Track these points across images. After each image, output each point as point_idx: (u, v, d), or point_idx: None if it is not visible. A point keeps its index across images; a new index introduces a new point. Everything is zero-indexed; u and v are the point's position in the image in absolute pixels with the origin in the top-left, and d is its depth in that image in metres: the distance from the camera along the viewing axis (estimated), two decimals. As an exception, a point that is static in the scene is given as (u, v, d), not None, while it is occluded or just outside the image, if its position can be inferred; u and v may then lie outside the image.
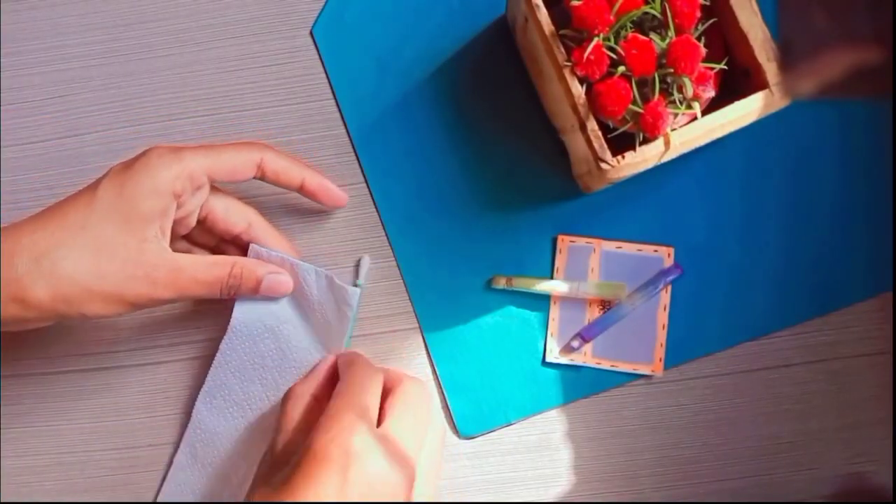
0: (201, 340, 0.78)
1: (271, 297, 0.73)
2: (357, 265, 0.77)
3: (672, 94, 0.66)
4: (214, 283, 0.68)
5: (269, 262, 0.72)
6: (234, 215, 0.72)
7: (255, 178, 0.71)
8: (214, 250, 0.75)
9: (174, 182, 0.65)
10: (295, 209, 0.78)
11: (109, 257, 0.64)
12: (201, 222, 0.72)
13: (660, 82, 0.65)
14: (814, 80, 0.41)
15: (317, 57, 0.79)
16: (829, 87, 0.40)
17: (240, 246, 0.74)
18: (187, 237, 0.74)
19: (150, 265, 0.65)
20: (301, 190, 0.73)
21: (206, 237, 0.75)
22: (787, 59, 0.44)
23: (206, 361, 0.78)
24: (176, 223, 0.69)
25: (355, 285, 0.76)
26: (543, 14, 0.67)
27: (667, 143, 0.66)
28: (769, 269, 0.78)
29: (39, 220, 0.65)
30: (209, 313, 0.78)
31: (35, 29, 0.79)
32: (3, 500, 0.77)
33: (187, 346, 0.78)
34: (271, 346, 0.74)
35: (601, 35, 0.65)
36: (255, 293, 0.71)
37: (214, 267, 0.68)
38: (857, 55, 0.37)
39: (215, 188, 0.71)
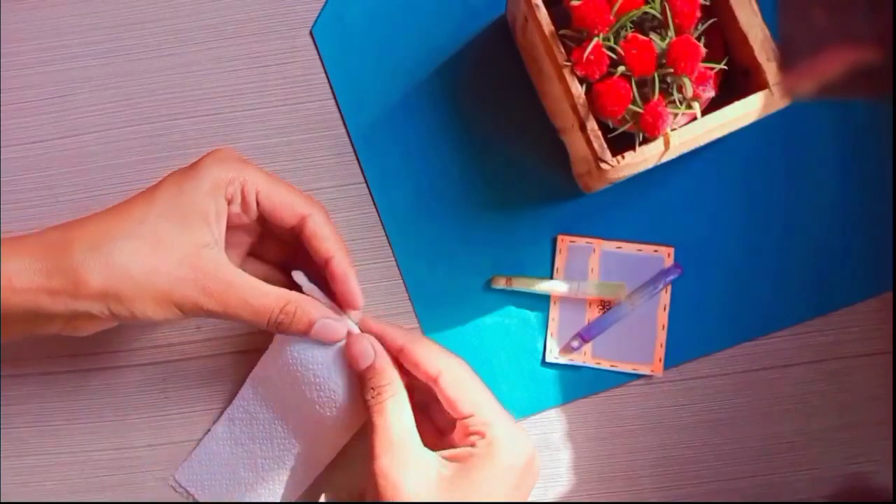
0: (201, 340, 0.78)
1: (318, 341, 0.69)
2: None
3: (672, 94, 0.66)
4: (262, 312, 0.65)
5: (324, 305, 0.68)
6: (286, 209, 0.68)
7: (293, 228, 0.68)
8: (285, 266, 0.73)
9: (227, 186, 0.65)
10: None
11: (165, 254, 0.63)
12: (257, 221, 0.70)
13: (660, 82, 0.65)
14: (814, 80, 0.41)
15: (317, 57, 0.79)
16: (829, 87, 0.40)
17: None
18: (253, 253, 0.73)
19: (203, 272, 0.63)
20: (325, 266, 0.68)
21: (273, 251, 0.73)
22: (787, 59, 0.44)
23: (205, 362, 0.78)
24: (230, 232, 0.67)
25: None
26: (543, 14, 0.67)
27: (666, 143, 0.66)
28: (769, 269, 0.78)
29: (100, 215, 0.65)
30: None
31: (35, 29, 0.79)
32: (3, 501, 0.77)
33: (187, 347, 0.78)
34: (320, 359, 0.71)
35: (601, 35, 0.65)
36: (304, 334, 0.67)
37: (267, 297, 0.65)
38: (857, 55, 0.37)
39: (271, 176, 0.68)
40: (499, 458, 0.65)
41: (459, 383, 0.68)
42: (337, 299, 0.69)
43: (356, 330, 0.69)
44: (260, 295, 0.65)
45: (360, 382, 0.68)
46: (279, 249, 0.73)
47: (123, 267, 0.62)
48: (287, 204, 0.67)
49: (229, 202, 0.66)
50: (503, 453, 0.65)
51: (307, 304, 0.67)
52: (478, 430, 0.66)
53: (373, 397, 0.66)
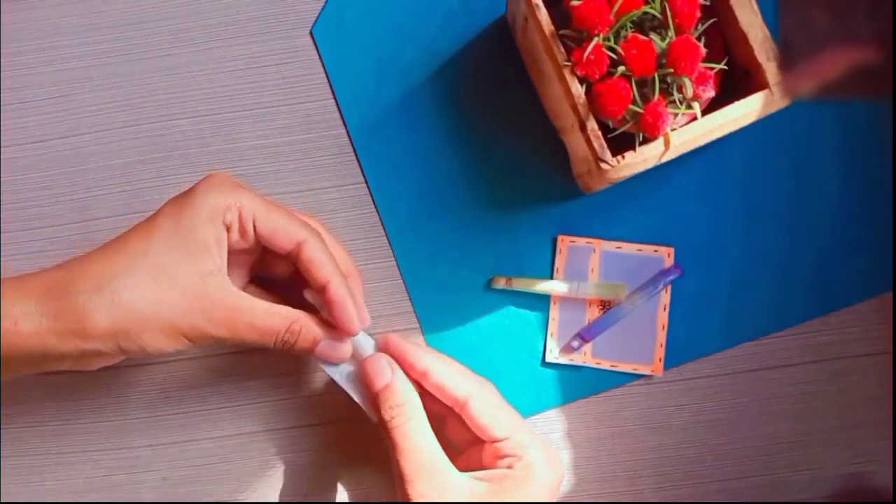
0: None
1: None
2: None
3: (672, 94, 0.66)
4: (269, 333, 0.65)
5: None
6: (281, 235, 0.67)
7: (289, 253, 0.67)
8: (288, 283, 0.72)
9: (225, 212, 0.65)
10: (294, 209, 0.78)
11: (169, 285, 0.63)
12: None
13: (660, 82, 0.65)
14: (814, 80, 0.41)
15: (317, 57, 0.79)
16: (829, 87, 0.40)
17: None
18: (257, 270, 0.72)
19: (209, 300, 0.64)
20: (321, 292, 0.68)
21: (278, 268, 0.72)
22: (787, 58, 0.44)
23: (205, 362, 0.78)
24: (232, 255, 0.67)
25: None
26: (543, 14, 0.67)
27: (667, 143, 0.66)
28: (769, 269, 0.78)
29: (100, 251, 0.65)
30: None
31: (35, 29, 0.79)
32: (3, 501, 0.77)
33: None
34: None
35: (601, 35, 0.65)
36: (309, 353, 0.68)
37: (273, 317, 0.66)
38: (857, 55, 0.37)
39: (266, 201, 0.67)
40: (538, 479, 0.66)
41: (491, 407, 0.68)
42: (336, 324, 0.68)
43: (370, 346, 0.70)
44: (266, 316, 0.65)
45: (376, 402, 0.68)
46: (284, 266, 0.72)
47: (129, 303, 0.62)
48: (282, 230, 0.67)
49: (228, 229, 0.65)
50: (542, 474, 0.66)
51: (312, 324, 0.67)
52: (514, 452, 0.67)
53: (393, 417, 0.66)
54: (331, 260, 0.67)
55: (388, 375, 0.67)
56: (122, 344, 0.63)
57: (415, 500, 0.64)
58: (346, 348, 0.69)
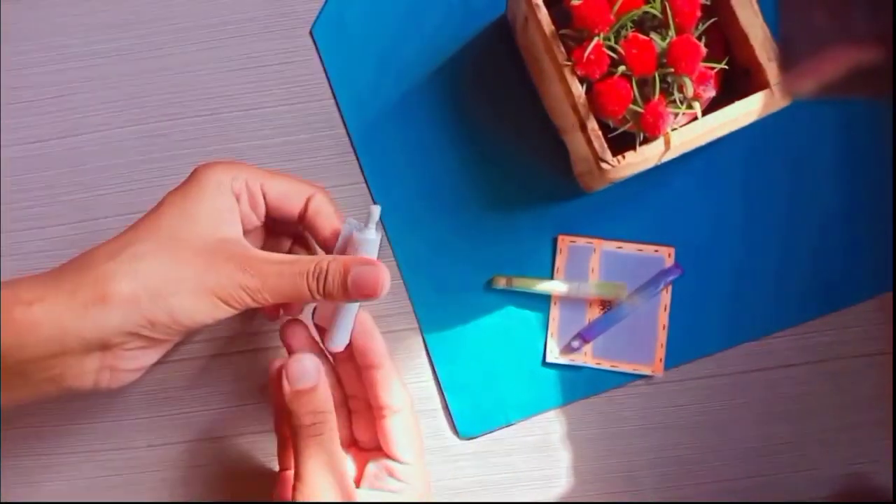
0: (201, 341, 0.78)
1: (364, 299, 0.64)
2: (368, 214, 0.65)
3: (672, 94, 0.66)
4: (299, 273, 0.61)
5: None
6: (293, 195, 0.66)
7: (300, 215, 0.67)
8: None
9: (233, 182, 0.64)
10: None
11: (185, 248, 0.60)
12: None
13: (660, 82, 0.65)
14: (814, 80, 0.41)
15: (317, 57, 0.79)
16: (830, 86, 0.40)
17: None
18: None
19: (234, 255, 0.61)
20: (329, 242, 0.67)
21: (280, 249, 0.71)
22: (788, 58, 0.44)
23: (206, 361, 0.78)
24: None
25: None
26: (543, 14, 0.67)
27: (667, 143, 0.66)
28: (770, 269, 0.78)
29: (109, 241, 0.62)
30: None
31: (35, 29, 0.79)
32: (3, 501, 0.77)
33: (187, 347, 0.78)
34: None
35: (601, 35, 0.65)
36: (346, 290, 0.62)
37: (299, 262, 0.62)
38: (858, 55, 0.37)
39: (270, 171, 0.67)
40: None
41: (410, 429, 0.68)
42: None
43: (375, 237, 0.65)
44: (291, 261, 0.62)
45: (290, 405, 0.63)
46: (286, 247, 0.72)
47: (149, 267, 0.59)
48: (292, 191, 0.66)
49: (238, 199, 0.64)
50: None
51: (339, 257, 0.63)
52: (406, 480, 0.68)
53: (315, 423, 0.63)
54: (337, 211, 0.67)
55: (314, 378, 0.63)
56: (148, 311, 0.58)
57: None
58: (382, 277, 0.63)
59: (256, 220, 0.67)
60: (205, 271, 0.60)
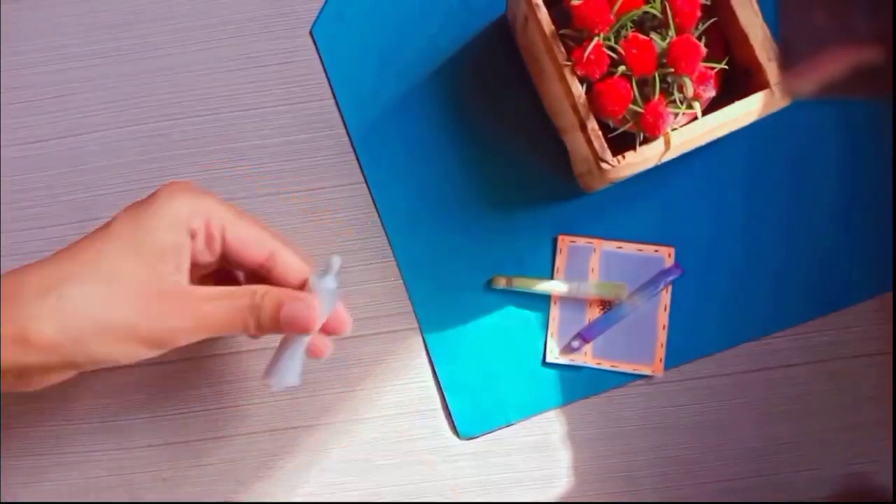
0: (199, 342, 0.78)
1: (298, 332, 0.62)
2: (326, 265, 0.64)
3: (673, 94, 0.66)
4: (237, 309, 0.60)
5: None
6: (253, 245, 0.63)
7: (261, 265, 0.64)
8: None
9: (190, 218, 0.60)
10: (294, 209, 0.78)
11: (122, 288, 0.57)
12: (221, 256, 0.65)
13: (660, 82, 0.65)
14: (814, 80, 0.41)
15: (317, 57, 0.79)
16: (830, 87, 0.40)
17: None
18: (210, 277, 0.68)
19: (168, 294, 0.58)
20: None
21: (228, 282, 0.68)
22: (788, 58, 0.44)
23: (204, 362, 0.78)
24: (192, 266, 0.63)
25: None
26: (543, 13, 0.67)
27: (667, 143, 0.66)
28: (770, 269, 0.78)
29: (50, 259, 0.59)
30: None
31: (35, 29, 0.79)
32: (2, 501, 0.77)
33: (186, 348, 0.78)
34: None
35: (601, 35, 0.65)
36: (278, 324, 0.61)
37: (236, 292, 0.60)
38: (858, 55, 0.37)
39: (235, 210, 0.63)
40: None
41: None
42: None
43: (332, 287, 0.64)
44: (229, 294, 0.60)
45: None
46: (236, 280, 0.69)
47: (75, 309, 0.56)
48: (254, 240, 0.63)
49: (193, 237, 0.61)
50: None
51: (275, 289, 0.62)
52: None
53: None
54: (304, 260, 0.64)
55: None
56: (68, 356, 0.57)
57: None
58: (312, 312, 0.62)
59: (209, 258, 0.63)
60: (136, 316, 0.58)
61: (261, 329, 0.61)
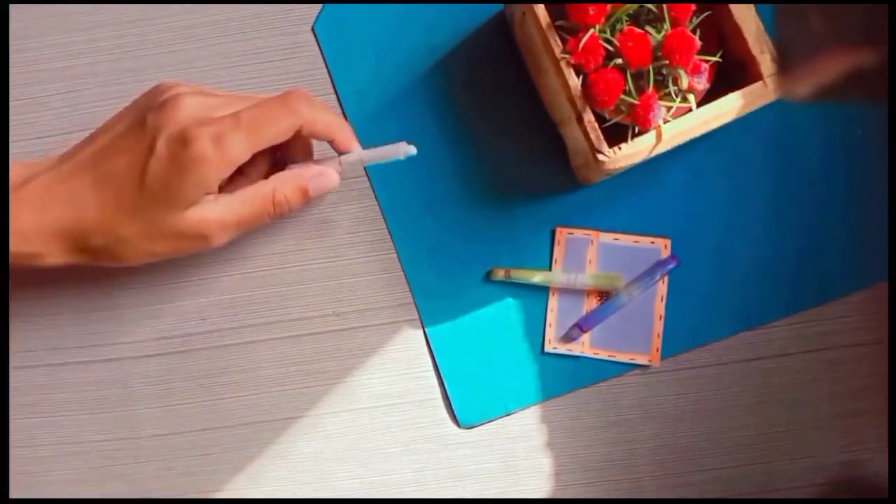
0: (203, 332, 0.79)
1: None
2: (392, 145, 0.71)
3: (667, 87, 0.67)
4: (259, 216, 0.68)
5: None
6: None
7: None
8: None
9: (219, 178, 0.65)
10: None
11: (162, 234, 0.66)
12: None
13: (655, 74, 0.66)
14: (810, 84, 0.42)
15: (318, 53, 0.80)
16: (826, 90, 0.40)
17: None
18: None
19: (195, 233, 0.66)
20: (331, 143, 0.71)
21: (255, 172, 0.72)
22: (784, 62, 0.44)
23: (207, 353, 0.78)
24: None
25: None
26: (540, 7, 0.68)
27: (659, 135, 0.67)
28: (765, 259, 0.78)
29: (98, 183, 0.68)
30: (212, 307, 0.79)
31: (41, 25, 0.80)
32: (10, 497, 0.77)
33: (192, 338, 0.78)
34: None
35: (597, 27, 0.66)
36: (307, 202, 0.70)
37: (254, 199, 0.67)
38: (854, 59, 0.37)
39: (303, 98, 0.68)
40: None
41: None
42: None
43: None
44: (251, 199, 0.67)
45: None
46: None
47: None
48: (279, 136, 0.67)
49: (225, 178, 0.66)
50: None
51: (289, 179, 0.69)
52: None
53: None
54: (333, 118, 0.70)
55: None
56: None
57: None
58: (333, 174, 0.71)
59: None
60: (171, 251, 0.67)
61: (286, 215, 0.70)
